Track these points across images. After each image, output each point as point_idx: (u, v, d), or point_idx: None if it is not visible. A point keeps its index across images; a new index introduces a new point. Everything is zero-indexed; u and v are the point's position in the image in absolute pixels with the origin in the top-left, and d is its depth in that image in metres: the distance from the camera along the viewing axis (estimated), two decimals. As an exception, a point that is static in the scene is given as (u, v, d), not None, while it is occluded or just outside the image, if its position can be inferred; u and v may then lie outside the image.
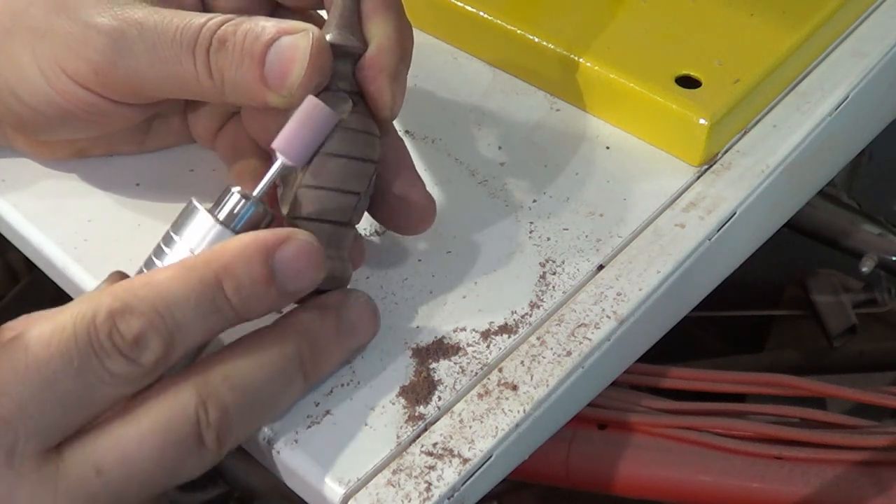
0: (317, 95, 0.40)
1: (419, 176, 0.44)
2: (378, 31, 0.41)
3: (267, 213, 0.40)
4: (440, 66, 0.56)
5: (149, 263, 0.40)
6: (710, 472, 0.74)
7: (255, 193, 0.39)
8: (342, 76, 0.41)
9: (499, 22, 0.54)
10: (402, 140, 0.45)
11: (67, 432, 0.35)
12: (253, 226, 0.39)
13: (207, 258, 0.37)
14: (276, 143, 0.39)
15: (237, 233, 0.39)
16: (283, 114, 0.40)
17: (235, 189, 0.39)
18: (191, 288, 0.36)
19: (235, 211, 0.39)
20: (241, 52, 0.40)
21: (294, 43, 0.40)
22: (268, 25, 0.40)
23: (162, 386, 0.37)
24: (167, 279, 0.36)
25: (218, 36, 0.40)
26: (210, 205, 0.39)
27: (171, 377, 0.37)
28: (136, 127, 0.48)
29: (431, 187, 0.49)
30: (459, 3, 0.55)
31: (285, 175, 0.41)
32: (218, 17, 0.41)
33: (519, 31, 0.53)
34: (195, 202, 0.39)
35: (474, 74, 0.55)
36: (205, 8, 0.44)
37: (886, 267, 0.92)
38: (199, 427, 0.36)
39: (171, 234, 0.39)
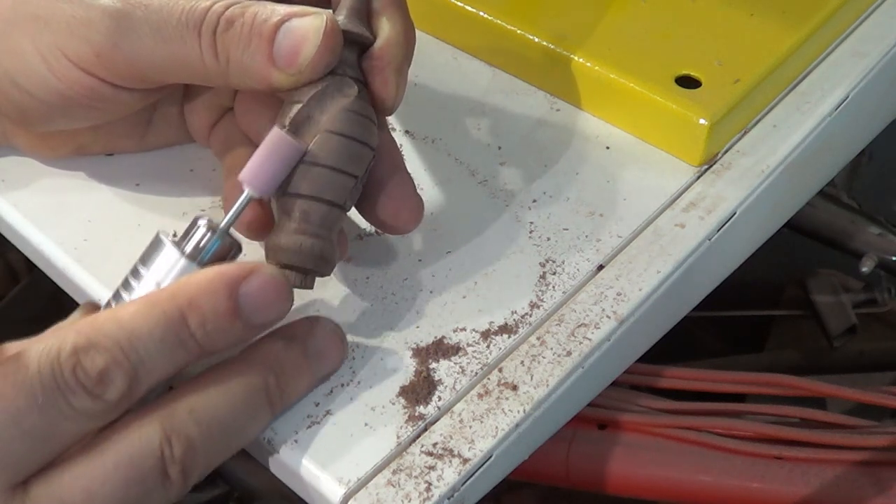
0: (323, 78, 0.41)
1: (409, 174, 0.44)
2: (387, 26, 0.42)
3: (234, 245, 0.40)
4: (440, 66, 0.56)
5: (117, 297, 0.39)
6: (710, 472, 0.74)
7: (221, 226, 0.40)
8: (348, 63, 0.41)
9: (499, 22, 0.54)
10: (393, 138, 0.45)
11: (34, 468, 0.35)
12: (219, 258, 0.39)
13: (172, 292, 0.37)
14: (243, 175, 0.39)
15: (204, 266, 0.39)
16: (276, 107, 0.40)
17: (202, 222, 0.39)
18: (155, 323, 0.36)
19: (202, 244, 0.39)
20: (249, 33, 0.40)
21: (307, 23, 0.40)
22: (277, 8, 0.40)
23: (126, 421, 0.36)
24: (131, 314, 0.36)
25: (226, 17, 0.40)
26: (178, 237, 0.39)
27: (135, 412, 0.37)
28: (135, 122, 0.48)
29: (431, 187, 0.49)
30: (459, 3, 0.55)
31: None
32: (225, 0, 0.41)
33: (519, 31, 0.53)
34: (161, 236, 0.39)
35: (474, 74, 0.55)
36: None
37: (886, 267, 0.92)
38: (163, 462, 0.36)
39: (139, 267, 0.39)
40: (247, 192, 0.40)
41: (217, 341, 0.38)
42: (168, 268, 0.39)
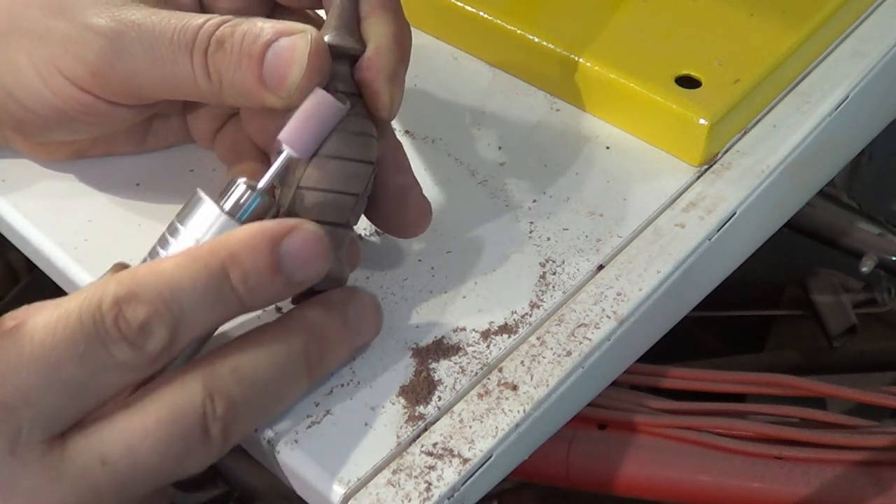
0: None
1: (416, 179, 0.44)
2: (376, 32, 0.41)
3: (272, 204, 0.40)
4: (440, 66, 0.56)
5: (153, 253, 0.39)
6: (710, 472, 0.74)
7: (260, 185, 0.39)
8: (340, 77, 0.41)
9: (499, 22, 0.54)
10: (399, 142, 0.45)
11: (72, 421, 0.35)
12: (258, 217, 0.39)
13: (214, 247, 0.37)
14: (283, 135, 0.39)
15: (243, 223, 0.39)
16: (282, 115, 0.40)
17: (241, 180, 0.39)
18: (197, 276, 0.36)
19: (241, 201, 0.39)
20: (239, 53, 0.40)
21: (293, 44, 0.40)
22: (266, 26, 0.40)
23: (168, 377, 0.36)
24: (173, 267, 0.36)
25: (216, 37, 0.40)
26: (216, 196, 0.39)
27: (177, 369, 0.37)
28: (135, 127, 0.48)
29: (431, 187, 0.49)
30: (459, 3, 0.55)
31: (283, 176, 0.41)
32: (216, 18, 0.41)
33: (519, 31, 0.53)
34: (201, 192, 0.39)
35: (474, 74, 0.55)
36: (203, 9, 0.44)
37: (886, 267, 0.92)
38: (205, 419, 0.36)
39: (177, 223, 0.39)
40: (286, 151, 0.39)
41: (258, 297, 0.37)
42: (208, 224, 0.38)
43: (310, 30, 0.40)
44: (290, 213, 0.40)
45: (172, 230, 0.39)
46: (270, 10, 0.46)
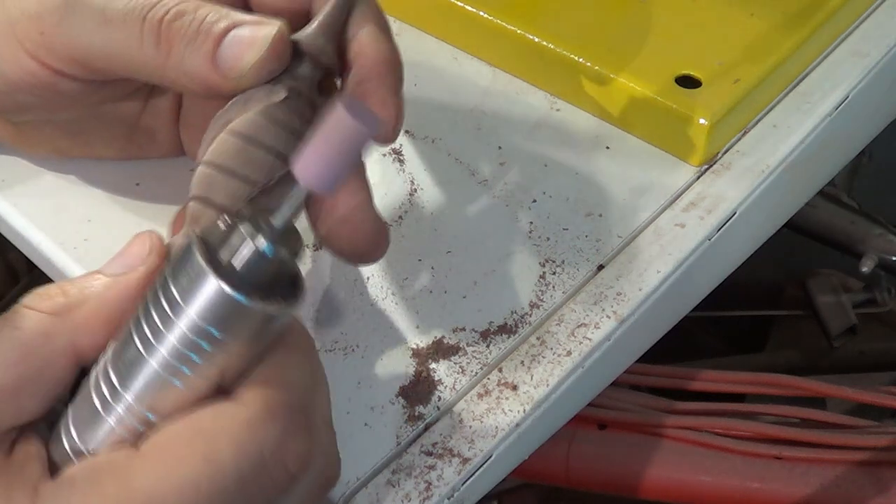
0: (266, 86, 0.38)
1: (370, 200, 0.40)
2: (373, 45, 0.40)
3: (298, 244, 0.31)
4: (440, 66, 0.56)
5: (147, 345, 0.30)
6: (710, 472, 0.74)
7: (276, 226, 0.30)
8: (303, 80, 0.39)
9: (499, 22, 0.54)
10: (363, 170, 0.41)
11: None
12: (275, 275, 0.30)
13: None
14: (295, 165, 0.30)
15: (249, 287, 0.29)
16: (220, 105, 0.39)
17: (246, 229, 0.30)
18: (303, 366, 0.33)
19: (252, 263, 0.30)
20: (197, 28, 0.38)
21: (256, 31, 0.38)
22: (233, 13, 0.39)
23: None
24: (289, 376, 0.32)
25: (177, 9, 0.39)
26: (214, 242, 0.30)
27: None
28: (113, 133, 0.48)
29: (431, 187, 0.49)
30: (459, 3, 0.55)
31: (199, 154, 0.38)
32: None
33: (519, 31, 0.53)
34: (200, 259, 0.29)
35: (474, 74, 0.55)
36: None
37: (886, 267, 0.92)
38: None
39: (178, 298, 0.29)
40: (300, 184, 0.30)
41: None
42: (221, 310, 0.29)
43: (280, 22, 0.39)
44: (191, 192, 0.38)
45: (174, 308, 0.30)
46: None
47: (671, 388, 0.81)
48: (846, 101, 0.53)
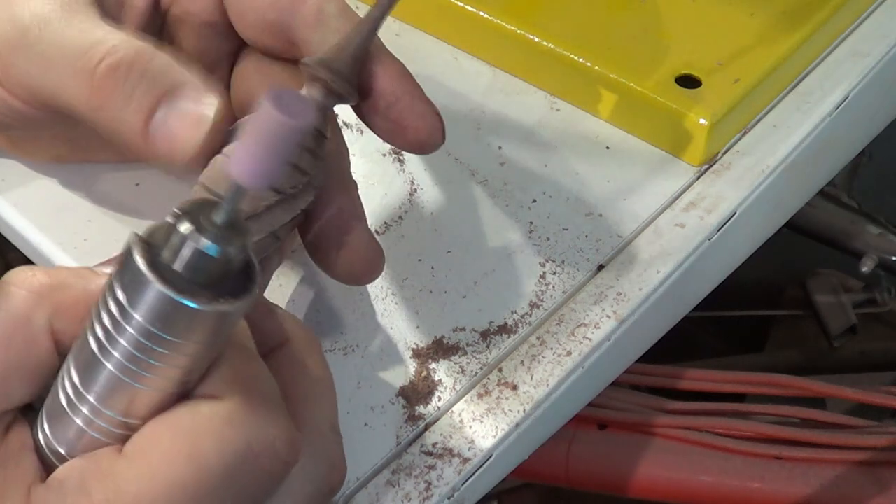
0: None
1: (364, 221, 0.40)
2: (393, 66, 0.39)
3: (244, 237, 0.29)
4: (440, 66, 0.56)
5: (102, 348, 0.29)
6: (710, 472, 0.74)
7: (218, 223, 0.28)
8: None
9: (499, 22, 0.54)
10: (355, 187, 0.41)
11: None
12: (222, 273, 0.29)
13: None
14: (232, 164, 0.28)
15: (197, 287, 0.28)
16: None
17: (185, 227, 0.28)
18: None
19: (193, 261, 0.28)
20: (132, 91, 0.36)
21: (200, 109, 0.36)
22: (178, 71, 0.37)
23: None
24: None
25: (110, 60, 0.36)
26: (153, 239, 0.29)
27: None
28: (108, 141, 0.48)
29: (431, 187, 0.49)
30: (459, 3, 0.55)
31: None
32: (122, 41, 0.37)
33: (519, 31, 0.53)
34: (140, 264, 0.28)
35: (474, 74, 0.55)
36: (162, 35, 0.42)
37: (886, 267, 0.92)
38: None
39: (124, 303, 0.28)
40: (236, 182, 0.28)
41: None
42: (168, 314, 0.28)
43: (217, 99, 0.36)
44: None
45: (124, 314, 0.28)
46: (236, 51, 0.43)
47: (671, 388, 0.81)
48: (846, 101, 0.53)
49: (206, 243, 0.28)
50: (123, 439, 0.30)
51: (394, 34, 0.57)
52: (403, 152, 0.51)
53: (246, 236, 0.28)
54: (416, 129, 0.39)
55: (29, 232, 0.48)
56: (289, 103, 0.27)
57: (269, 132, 0.27)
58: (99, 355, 0.29)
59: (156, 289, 0.28)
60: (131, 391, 0.30)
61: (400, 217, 0.48)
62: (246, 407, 0.30)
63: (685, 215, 0.48)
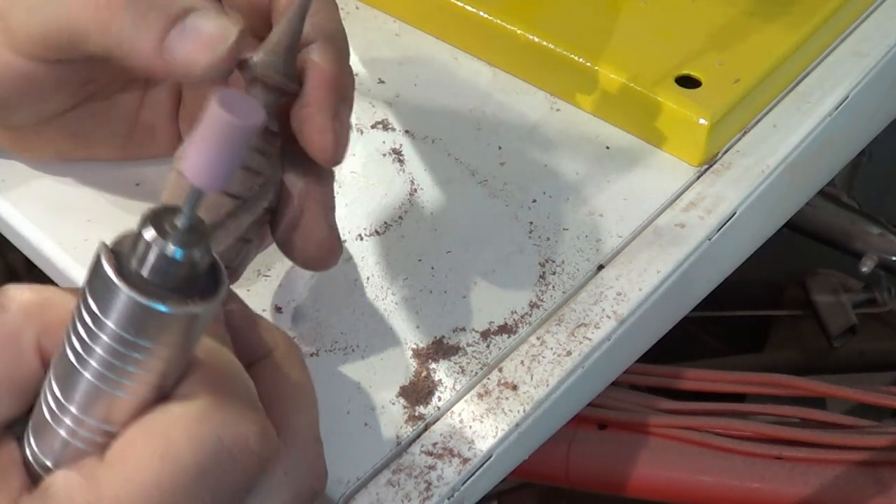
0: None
1: (325, 207, 0.40)
2: (319, 69, 0.38)
3: (206, 239, 0.29)
4: (440, 66, 0.56)
5: (79, 357, 0.29)
6: (710, 472, 0.74)
7: (180, 226, 0.29)
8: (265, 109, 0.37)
9: (499, 22, 0.54)
10: (329, 172, 0.41)
11: None
12: (189, 276, 0.29)
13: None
14: (184, 164, 0.28)
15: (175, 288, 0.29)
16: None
17: (149, 236, 0.29)
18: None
19: (160, 267, 0.29)
20: (147, 5, 0.37)
21: (216, 27, 0.37)
22: None
23: None
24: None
25: None
26: (125, 248, 0.30)
27: None
28: (113, 131, 0.47)
29: (431, 187, 0.49)
30: (459, 3, 0.55)
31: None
32: None
33: (519, 31, 0.53)
34: (109, 272, 0.29)
35: (474, 74, 0.55)
36: None
37: (886, 267, 0.92)
38: None
39: (96, 311, 0.29)
40: (192, 184, 0.28)
41: None
42: (139, 319, 0.29)
43: (241, 25, 0.37)
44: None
45: (95, 321, 0.29)
46: None
47: (671, 388, 0.81)
48: (846, 101, 0.53)
49: (169, 247, 0.28)
50: (106, 447, 0.31)
51: (394, 34, 0.57)
52: (403, 152, 0.51)
53: (208, 238, 0.29)
54: (318, 145, 0.38)
55: (29, 232, 0.48)
56: (237, 104, 0.27)
57: (219, 133, 0.27)
58: (76, 365, 0.29)
59: (124, 294, 0.28)
60: (109, 398, 0.30)
61: (400, 217, 0.48)
62: (217, 403, 0.30)
63: (685, 215, 0.48)
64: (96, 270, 0.29)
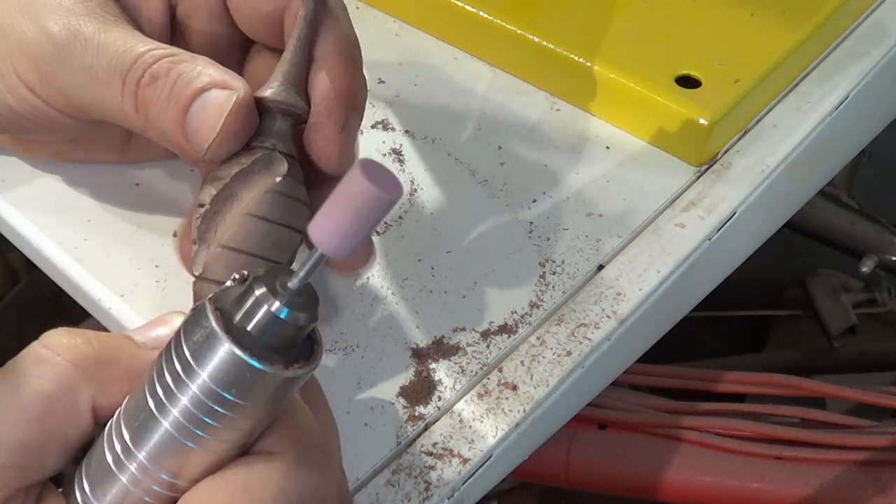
0: (252, 151, 0.38)
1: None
2: (326, 79, 0.39)
3: (313, 316, 0.30)
4: (440, 66, 0.56)
5: (161, 408, 0.29)
6: (710, 472, 0.74)
7: (292, 288, 0.29)
8: (279, 136, 0.39)
9: (499, 22, 0.54)
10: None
11: None
12: (292, 338, 0.29)
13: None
14: (311, 228, 0.28)
15: (266, 352, 0.29)
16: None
17: (259, 291, 0.29)
18: None
19: (266, 327, 0.29)
20: (168, 95, 0.38)
21: (219, 99, 0.38)
22: (204, 72, 0.39)
23: None
24: None
25: (151, 71, 0.39)
26: (230, 303, 0.29)
27: None
28: (113, 137, 0.48)
29: (431, 187, 0.49)
30: (459, 3, 0.55)
31: (203, 232, 0.38)
32: (159, 50, 0.39)
33: (519, 31, 0.53)
34: (216, 327, 0.29)
35: (474, 74, 0.55)
36: (173, 28, 0.43)
37: (886, 267, 0.92)
38: None
39: (193, 363, 0.29)
40: (318, 251, 0.29)
41: None
42: (234, 374, 0.28)
43: (240, 88, 0.38)
44: (204, 273, 0.37)
45: (188, 372, 0.29)
46: (246, 43, 0.44)
47: (671, 388, 0.81)
48: (846, 101, 0.53)
49: (279, 307, 0.28)
50: (170, 501, 0.30)
51: (394, 34, 0.57)
52: (403, 152, 0.51)
53: (316, 304, 0.29)
54: (324, 154, 0.40)
55: (29, 232, 0.48)
56: (377, 174, 0.27)
57: (360, 204, 0.27)
58: (156, 413, 0.29)
59: (226, 347, 0.28)
60: (185, 451, 0.29)
61: (400, 217, 0.48)
62: (299, 462, 0.31)
63: (685, 215, 0.48)
64: (198, 320, 0.29)
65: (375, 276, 0.46)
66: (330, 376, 0.42)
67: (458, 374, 0.42)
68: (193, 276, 0.38)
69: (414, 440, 0.40)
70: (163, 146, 0.48)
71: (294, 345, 0.29)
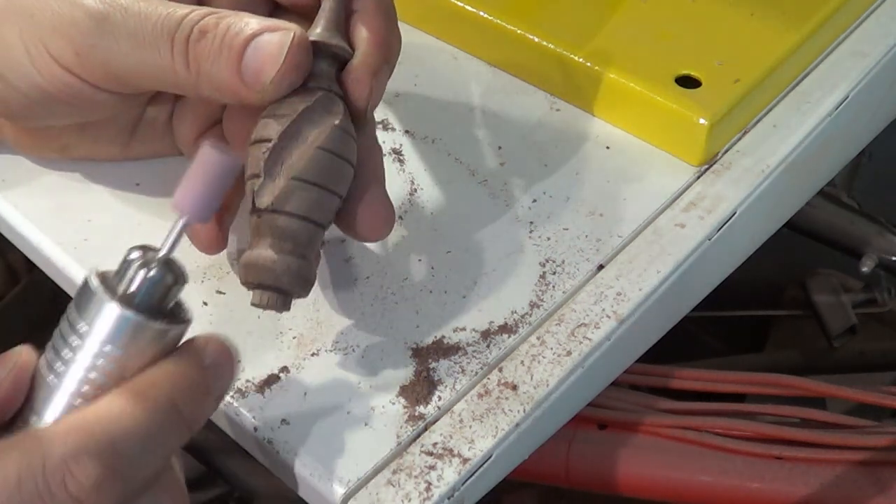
0: (311, 92, 0.40)
1: (384, 185, 0.43)
2: (364, 32, 0.42)
3: (179, 278, 0.36)
4: (440, 66, 0.56)
5: (62, 359, 0.35)
6: (710, 472, 0.74)
7: (159, 256, 0.35)
8: (325, 76, 0.41)
9: (499, 22, 0.54)
10: (379, 146, 0.44)
11: None
12: (162, 294, 0.35)
13: (154, 384, 0.35)
14: (177, 201, 0.36)
15: (145, 304, 0.35)
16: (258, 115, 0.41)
17: (135, 255, 0.35)
18: (147, 420, 0.34)
19: (140, 285, 0.35)
20: (220, 45, 0.40)
21: (274, 39, 0.40)
22: (252, 21, 0.40)
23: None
24: (119, 413, 0.34)
25: (199, 27, 0.40)
26: (113, 274, 0.35)
27: None
28: (120, 128, 0.48)
29: (431, 187, 0.49)
30: (459, 3, 0.55)
31: (270, 166, 0.40)
32: (202, 10, 0.41)
33: (519, 31, 0.53)
34: (93, 281, 0.35)
35: (474, 74, 0.55)
36: (201, 2, 0.44)
37: (886, 267, 0.92)
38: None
39: (78, 322, 0.35)
40: (184, 219, 0.36)
41: (200, 422, 0.37)
42: (112, 324, 0.34)
43: (295, 28, 0.40)
44: (277, 204, 0.39)
45: (75, 328, 0.35)
46: (271, 10, 0.46)
47: (672, 388, 0.81)
48: (846, 101, 0.53)
49: (151, 271, 0.35)
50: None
51: (394, 34, 0.57)
52: (403, 152, 0.51)
53: (181, 268, 0.36)
54: (353, 94, 0.42)
55: (29, 232, 0.48)
56: (222, 149, 0.35)
57: (215, 173, 0.35)
58: (66, 364, 0.35)
59: (111, 306, 0.34)
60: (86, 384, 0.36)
61: (400, 217, 0.48)
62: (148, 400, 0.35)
63: (685, 215, 0.48)
64: (84, 289, 0.35)
65: (375, 276, 0.46)
66: (330, 376, 0.42)
67: (458, 373, 0.42)
68: (255, 209, 0.40)
69: (414, 440, 0.40)
70: (166, 142, 0.48)
71: (163, 307, 0.35)
